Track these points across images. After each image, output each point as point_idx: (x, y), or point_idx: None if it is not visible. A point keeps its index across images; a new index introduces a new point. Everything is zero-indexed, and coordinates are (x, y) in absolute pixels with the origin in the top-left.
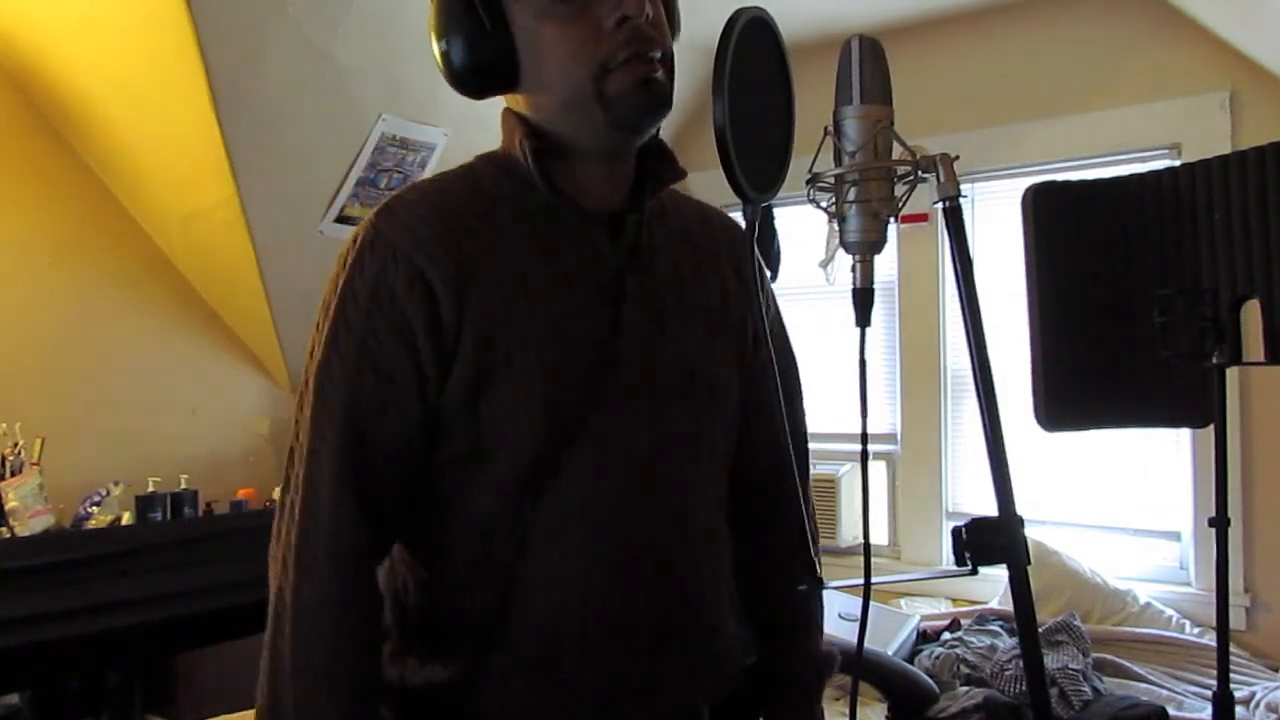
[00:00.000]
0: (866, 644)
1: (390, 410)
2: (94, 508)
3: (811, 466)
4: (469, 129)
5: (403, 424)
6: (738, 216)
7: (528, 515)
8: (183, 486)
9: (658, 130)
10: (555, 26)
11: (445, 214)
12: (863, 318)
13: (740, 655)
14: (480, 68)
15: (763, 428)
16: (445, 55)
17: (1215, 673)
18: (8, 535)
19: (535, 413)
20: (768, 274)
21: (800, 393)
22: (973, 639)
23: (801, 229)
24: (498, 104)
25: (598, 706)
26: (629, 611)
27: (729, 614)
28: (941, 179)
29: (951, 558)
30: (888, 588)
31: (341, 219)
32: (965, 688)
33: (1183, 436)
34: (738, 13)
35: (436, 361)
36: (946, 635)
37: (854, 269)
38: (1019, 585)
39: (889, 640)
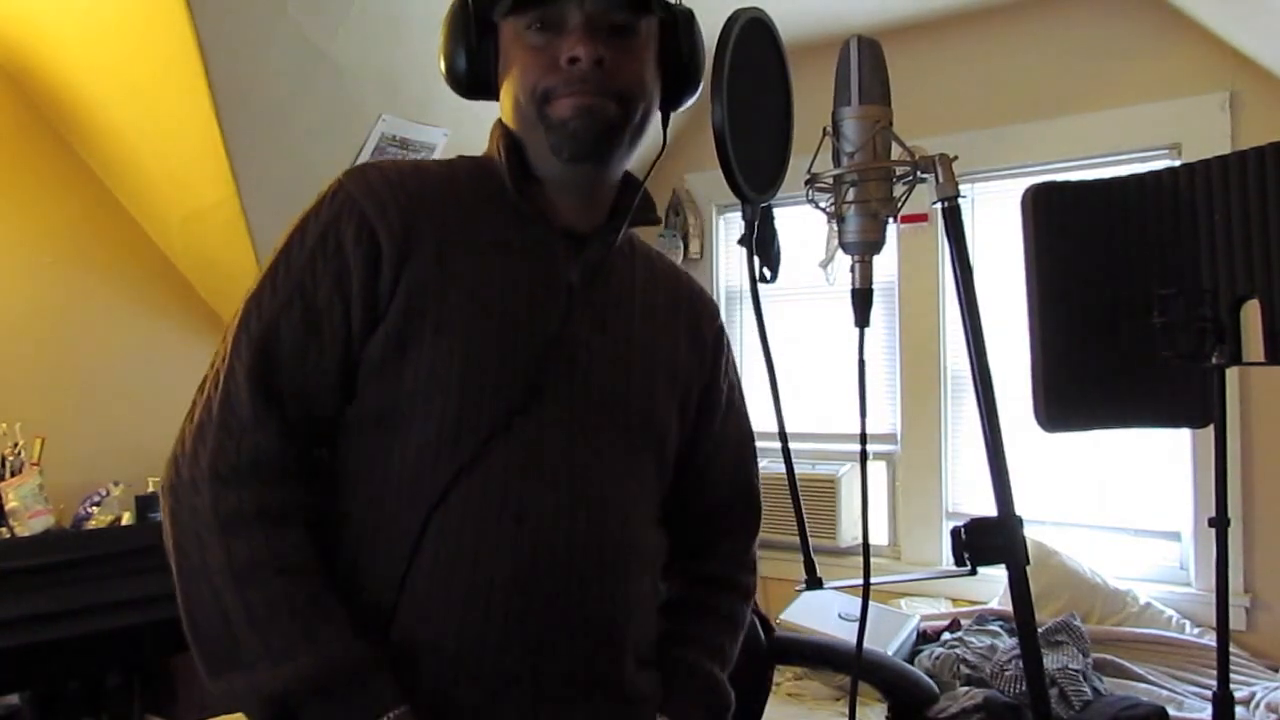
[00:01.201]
0: (866, 644)
1: (311, 347)
2: (94, 508)
3: (811, 467)
4: (469, 129)
5: (320, 363)
6: (736, 216)
7: (432, 495)
8: None
9: (644, 178)
10: (522, 50)
11: (410, 186)
12: (862, 318)
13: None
14: (464, 73)
15: (712, 477)
16: (441, 54)
17: (1215, 673)
18: (8, 535)
19: (449, 395)
20: (730, 342)
21: (755, 455)
22: (973, 639)
23: (801, 229)
24: (496, 105)
25: (482, 701)
26: (523, 609)
27: (639, 636)
28: (940, 179)
29: (951, 558)
30: (888, 588)
31: None
32: (965, 688)
33: (1183, 436)
34: (736, 13)
35: (365, 314)
36: (946, 635)
37: (853, 269)
38: (1018, 585)
39: (889, 640)
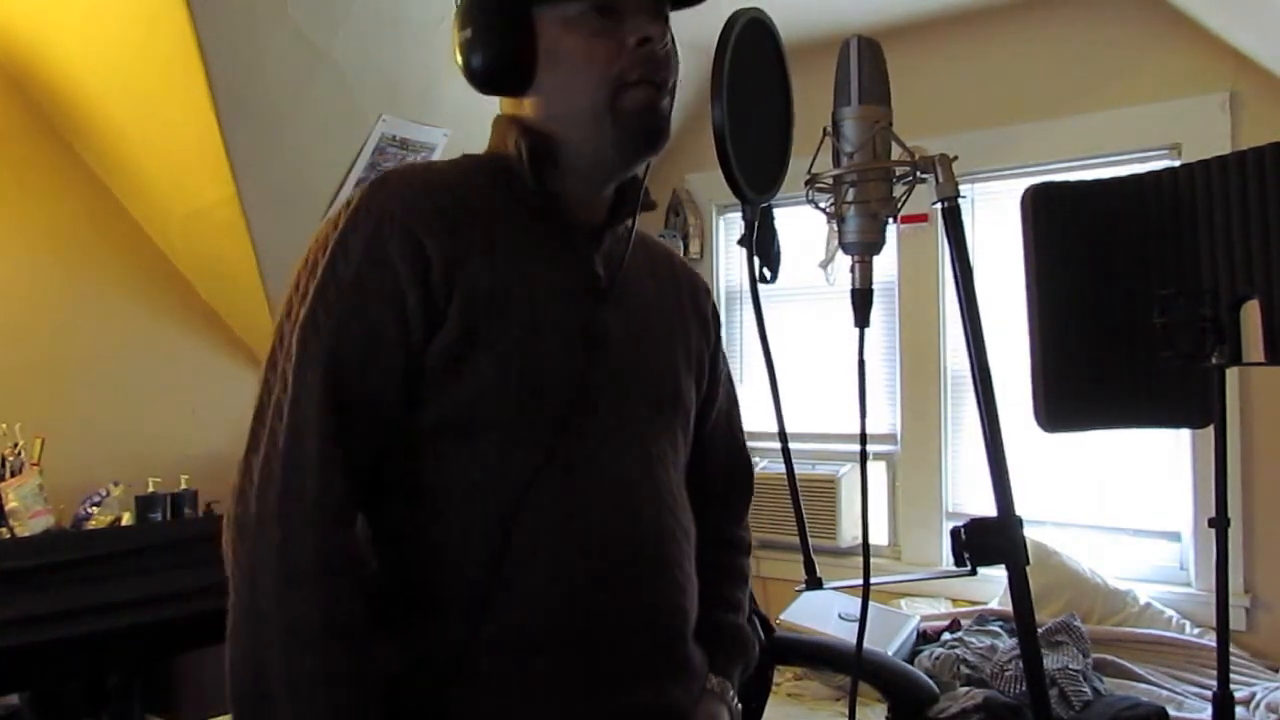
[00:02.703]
0: (866, 644)
1: (374, 364)
2: (94, 508)
3: (811, 467)
4: (469, 129)
5: (386, 378)
6: (736, 216)
7: (505, 502)
8: (183, 487)
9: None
10: (582, 37)
11: (439, 192)
12: (862, 318)
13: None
14: (496, 66)
15: (715, 443)
16: (464, 47)
17: (1215, 673)
18: (8, 535)
19: (510, 401)
20: (720, 316)
21: (742, 426)
22: (973, 639)
23: (801, 229)
24: (496, 103)
25: (570, 696)
26: (605, 604)
27: (694, 613)
28: (940, 179)
29: (951, 558)
30: (888, 588)
31: None
32: (965, 688)
33: (1183, 436)
34: (736, 14)
35: (423, 322)
36: (946, 635)
37: (853, 269)
38: (1018, 585)
39: (889, 640)
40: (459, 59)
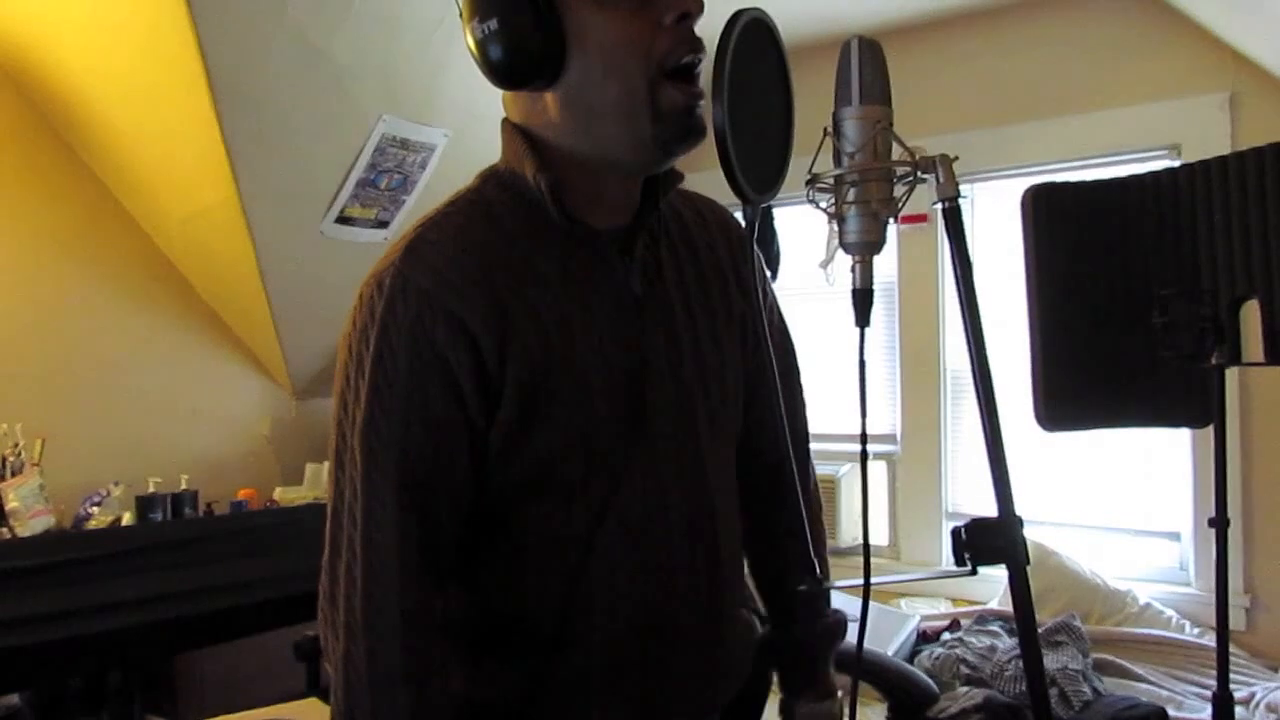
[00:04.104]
0: (866, 644)
1: (442, 461)
2: (94, 508)
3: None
4: (469, 129)
5: (454, 473)
6: (737, 214)
7: (591, 535)
8: (183, 487)
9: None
10: (617, 19)
11: (470, 254)
12: (862, 318)
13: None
14: (526, 56)
15: (763, 421)
16: (486, 40)
17: (1215, 673)
18: (8, 535)
19: (586, 444)
20: (768, 273)
21: (801, 388)
22: (973, 639)
23: (801, 229)
24: (498, 103)
25: (643, 715)
26: (674, 621)
27: (748, 611)
28: (941, 180)
29: (951, 558)
30: (888, 588)
31: (342, 219)
32: (965, 688)
33: (1183, 436)
34: (737, 14)
35: (482, 407)
36: (946, 635)
37: (853, 269)
38: (1018, 585)
39: (889, 640)
40: (476, 52)
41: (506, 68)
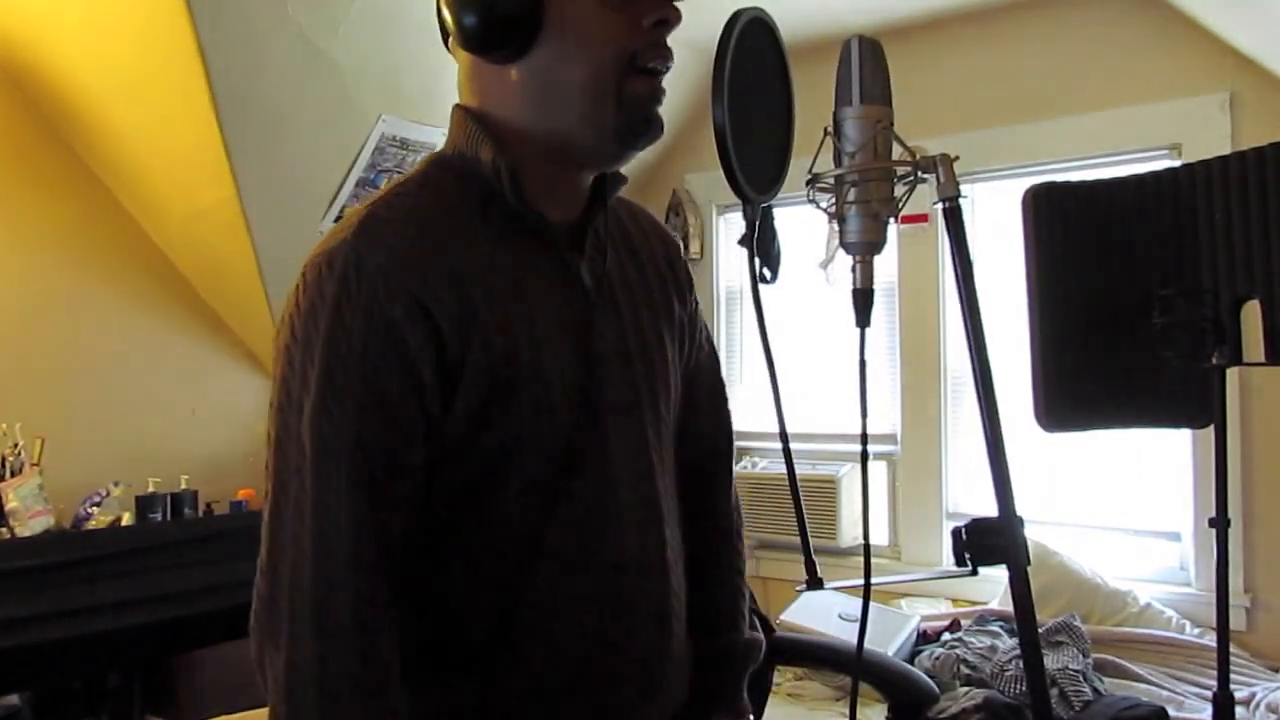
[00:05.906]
0: (866, 645)
1: (399, 450)
2: (94, 508)
3: (812, 467)
4: None
5: (410, 465)
6: (736, 216)
7: (541, 534)
8: (183, 487)
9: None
10: (599, 6)
11: (425, 235)
12: (862, 318)
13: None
14: (500, 21)
15: (697, 425)
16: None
17: (1215, 673)
18: (8, 535)
19: (541, 442)
20: (693, 278)
21: (726, 395)
22: (973, 639)
23: (801, 229)
24: None
25: None
26: (621, 633)
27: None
28: (941, 179)
29: (951, 558)
30: (888, 588)
31: (341, 219)
32: (965, 688)
33: (1183, 436)
34: (737, 13)
35: (439, 396)
36: (946, 636)
37: (854, 270)
38: (1019, 586)
39: (889, 641)
40: (449, 11)
41: (478, 30)
